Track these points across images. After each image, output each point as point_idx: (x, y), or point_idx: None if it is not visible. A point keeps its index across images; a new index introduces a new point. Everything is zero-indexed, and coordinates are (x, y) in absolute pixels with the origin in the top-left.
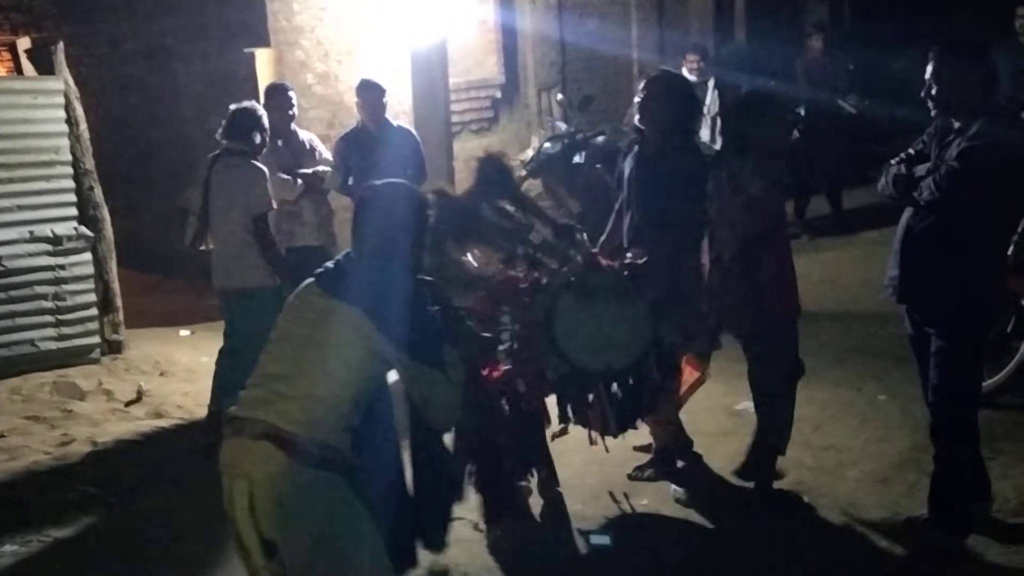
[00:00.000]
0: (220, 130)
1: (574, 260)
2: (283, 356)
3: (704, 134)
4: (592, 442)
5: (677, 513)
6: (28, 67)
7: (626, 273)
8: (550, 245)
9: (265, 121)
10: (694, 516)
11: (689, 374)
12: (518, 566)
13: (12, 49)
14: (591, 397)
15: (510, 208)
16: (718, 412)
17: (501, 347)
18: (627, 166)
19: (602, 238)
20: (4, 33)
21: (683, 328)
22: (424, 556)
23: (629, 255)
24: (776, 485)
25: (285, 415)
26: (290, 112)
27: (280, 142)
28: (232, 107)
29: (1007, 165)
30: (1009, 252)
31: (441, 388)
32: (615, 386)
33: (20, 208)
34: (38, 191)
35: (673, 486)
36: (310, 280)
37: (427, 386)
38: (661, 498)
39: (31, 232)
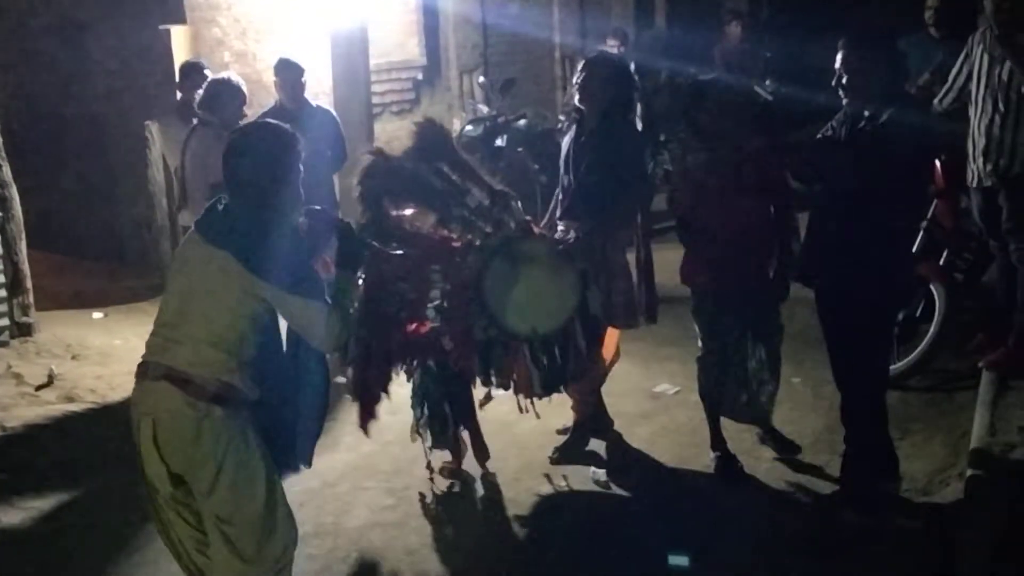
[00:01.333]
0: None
1: (507, 225)
2: (171, 305)
3: None
4: (521, 409)
5: (597, 493)
6: None
7: (559, 246)
8: (485, 209)
9: (240, 93)
10: (613, 497)
11: (607, 350)
12: (440, 549)
13: None
14: (517, 361)
15: (447, 171)
16: (637, 395)
17: (430, 304)
18: (564, 145)
19: (544, 220)
20: None
21: (609, 302)
22: (348, 541)
23: (560, 228)
24: (690, 467)
25: (178, 357)
26: None
27: (196, 120)
28: (209, 78)
29: (917, 151)
30: (918, 237)
31: (320, 317)
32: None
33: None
34: None
35: (593, 468)
36: (192, 228)
37: (304, 318)
38: (581, 480)
39: None
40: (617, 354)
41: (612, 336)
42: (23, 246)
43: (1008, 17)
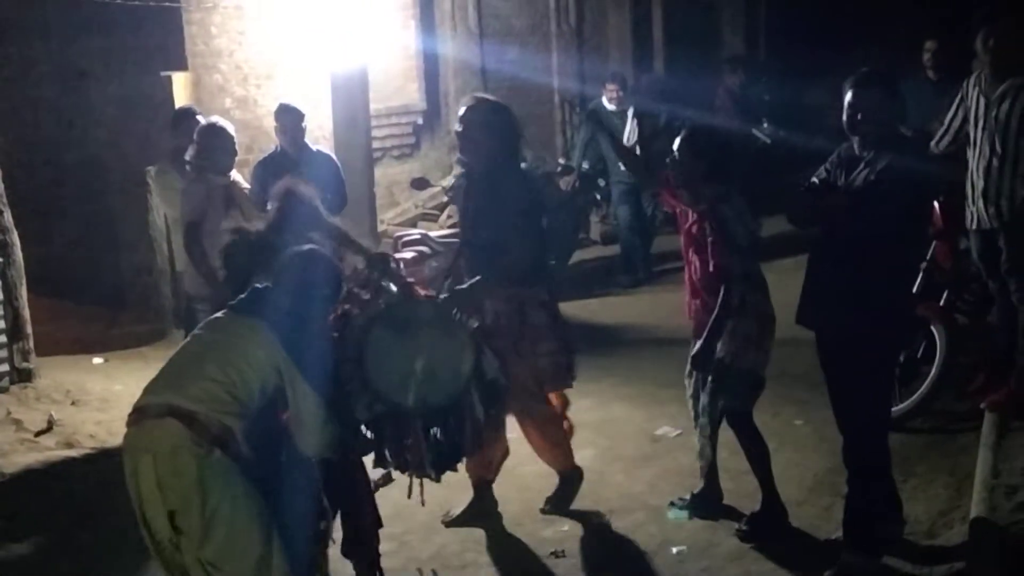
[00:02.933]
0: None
1: (387, 290)
2: (187, 353)
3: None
4: (409, 494)
5: (599, 536)
6: None
7: (446, 304)
8: (362, 275)
9: (230, 140)
10: (616, 537)
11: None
12: None
13: None
14: (409, 437)
15: (318, 240)
16: (639, 437)
17: None
18: (457, 198)
19: (447, 281)
20: None
21: (536, 366)
22: None
23: (448, 285)
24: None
25: (184, 394)
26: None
27: (188, 167)
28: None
29: (917, 194)
30: (918, 279)
31: (318, 413)
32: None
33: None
34: None
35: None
36: (222, 312)
37: (305, 409)
38: (583, 523)
39: None
40: (571, 427)
41: (557, 399)
42: (23, 291)
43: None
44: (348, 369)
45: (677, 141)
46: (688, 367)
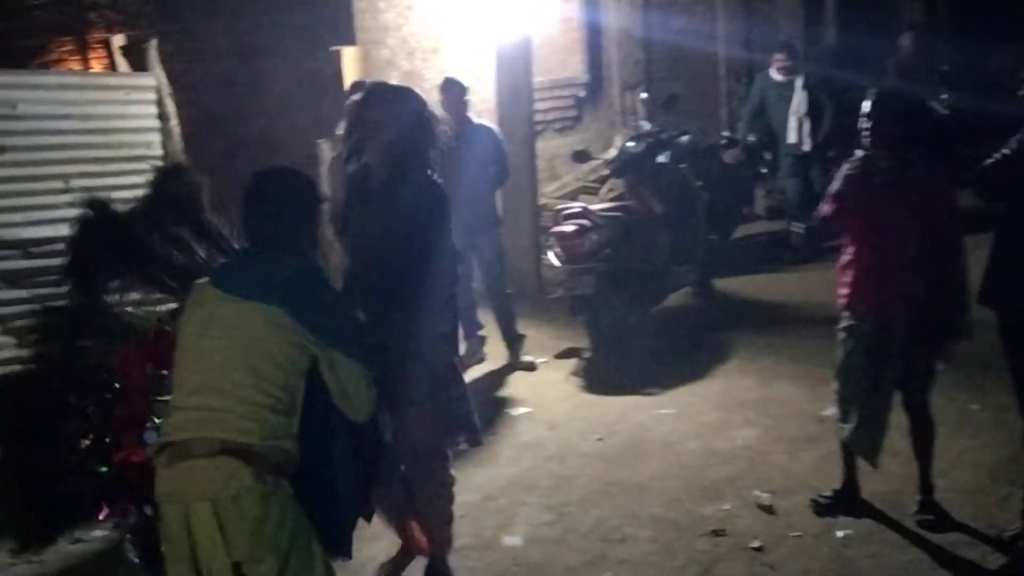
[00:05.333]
0: None
1: None
2: (205, 369)
3: (792, 135)
4: None
5: (755, 511)
6: (122, 63)
7: None
8: None
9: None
10: (776, 519)
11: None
12: (600, 568)
13: (107, 46)
14: None
15: (189, 237)
16: (803, 418)
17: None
18: (348, 202)
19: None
20: (99, 30)
21: (448, 418)
22: (507, 556)
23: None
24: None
25: (233, 426)
26: None
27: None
28: None
29: None
30: None
31: (356, 375)
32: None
33: (112, 201)
34: (129, 185)
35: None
36: (204, 281)
37: (344, 373)
38: (742, 502)
39: None
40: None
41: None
42: None
43: None
44: None
45: (867, 105)
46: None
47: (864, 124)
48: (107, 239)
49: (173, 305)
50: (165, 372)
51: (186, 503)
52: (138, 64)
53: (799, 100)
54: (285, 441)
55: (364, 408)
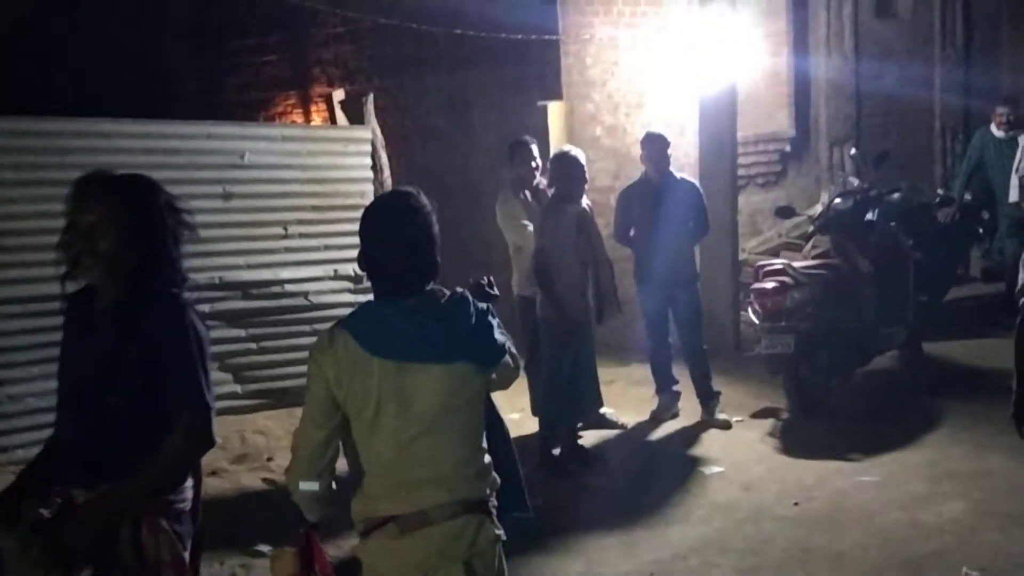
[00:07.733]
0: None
1: None
2: (422, 443)
3: (1013, 194)
4: None
5: None
6: (341, 117)
7: None
8: None
9: (573, 166)
10: None
11: None
12: None
13: (328, 100)
14: None
15: None
16: (1018, 493)
17: None
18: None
19: None
20: (322, 85)
21: None
22: None
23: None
24: None
25: (468, 484)
26: (532, 165)
27: (526, 194)
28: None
29: None
30: None
31: (510, 370)
32: None
33: (327, 248)
34: (343, 232)
35: (964, 568)
36: (359, 349)
37: (505, 372)
38: None
39: (335, 271)
40: None
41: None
42: None
43: None
44: None
45: None
46: None
47: None
48: None
49: None
50: None
51: (437, 568)
52: (355, 117)
53: (1022, 157)
54: (493, 478)
55: (511, 379)
